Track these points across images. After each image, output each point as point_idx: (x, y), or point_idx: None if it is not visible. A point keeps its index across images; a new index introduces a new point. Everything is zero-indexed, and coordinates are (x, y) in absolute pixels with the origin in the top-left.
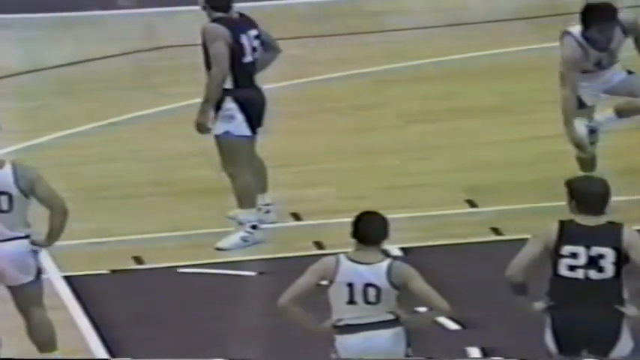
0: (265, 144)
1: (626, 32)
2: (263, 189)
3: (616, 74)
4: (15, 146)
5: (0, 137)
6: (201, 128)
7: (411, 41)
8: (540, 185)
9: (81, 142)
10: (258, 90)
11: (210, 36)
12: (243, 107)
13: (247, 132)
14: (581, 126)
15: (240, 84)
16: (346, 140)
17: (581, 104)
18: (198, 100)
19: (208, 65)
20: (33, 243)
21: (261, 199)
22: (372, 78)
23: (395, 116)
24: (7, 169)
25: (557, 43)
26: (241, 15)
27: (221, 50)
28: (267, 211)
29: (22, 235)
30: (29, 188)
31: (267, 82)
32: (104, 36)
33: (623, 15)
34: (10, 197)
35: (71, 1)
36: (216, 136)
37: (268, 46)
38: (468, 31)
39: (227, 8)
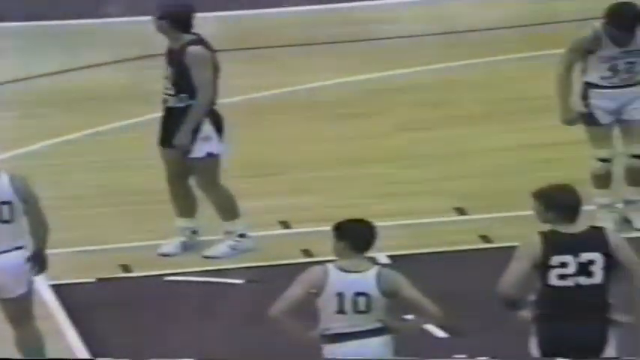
0: (255, 152)
1: None
2: None
3: (637, 99)
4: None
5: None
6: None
7: (399, 50)
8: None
9: (69, 150)
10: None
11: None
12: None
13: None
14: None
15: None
16: (336, 148)
17: (593, 121)
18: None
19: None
20: (31, 258)
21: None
22: (363, 86)
23: (386, 124)
24: (4, 177)
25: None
26: None
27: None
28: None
29: (21, 245)
30: (24, 196)
31: (256, 90)
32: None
33: None
34: (11, 206)
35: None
36: (191, 159)
37: None
38: (456, 40)
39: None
